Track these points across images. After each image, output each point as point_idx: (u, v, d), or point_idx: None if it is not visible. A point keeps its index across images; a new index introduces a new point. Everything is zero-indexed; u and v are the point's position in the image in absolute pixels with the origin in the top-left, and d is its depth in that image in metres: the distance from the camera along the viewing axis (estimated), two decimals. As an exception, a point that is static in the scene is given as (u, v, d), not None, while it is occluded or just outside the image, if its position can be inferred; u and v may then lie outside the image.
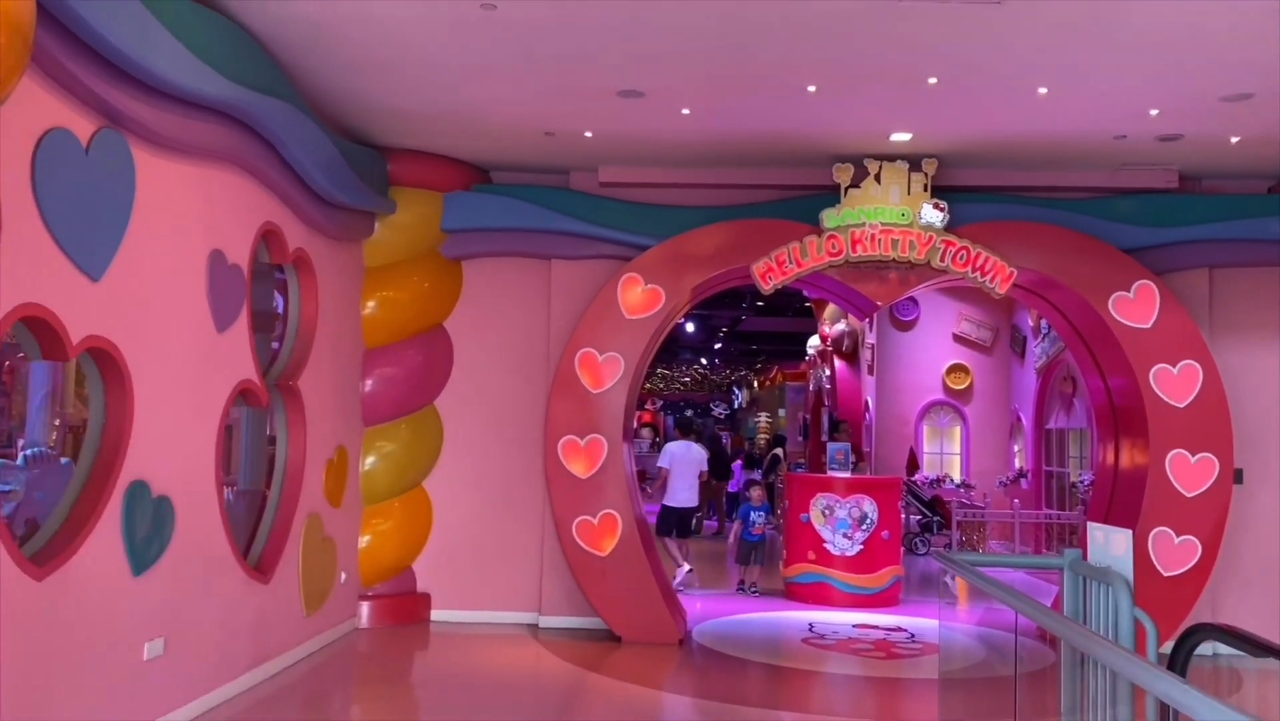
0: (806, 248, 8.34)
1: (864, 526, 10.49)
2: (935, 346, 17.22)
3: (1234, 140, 7.65)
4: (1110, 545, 4.27)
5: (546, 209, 8.76)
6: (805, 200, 8.64)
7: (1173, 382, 8.16)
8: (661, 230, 8.67)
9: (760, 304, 30.07)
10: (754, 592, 10.88)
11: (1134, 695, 3.88)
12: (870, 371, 17.74)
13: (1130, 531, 4.16)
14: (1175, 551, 8.04)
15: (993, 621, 9.10)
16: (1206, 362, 8.15)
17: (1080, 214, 8.54)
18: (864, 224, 8.29)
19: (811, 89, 6.75)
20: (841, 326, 18.89)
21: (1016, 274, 8.28)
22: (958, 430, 17.43)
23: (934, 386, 17.23)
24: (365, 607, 8.71)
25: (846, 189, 8.36)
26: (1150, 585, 7.96)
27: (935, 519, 15.50)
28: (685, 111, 7.28)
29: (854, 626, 9.40)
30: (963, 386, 17.21)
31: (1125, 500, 8.51)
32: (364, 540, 8.75)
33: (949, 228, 8.32)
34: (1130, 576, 4.09)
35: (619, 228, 8.76)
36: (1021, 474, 16.44)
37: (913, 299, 17.15)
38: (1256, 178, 8.70)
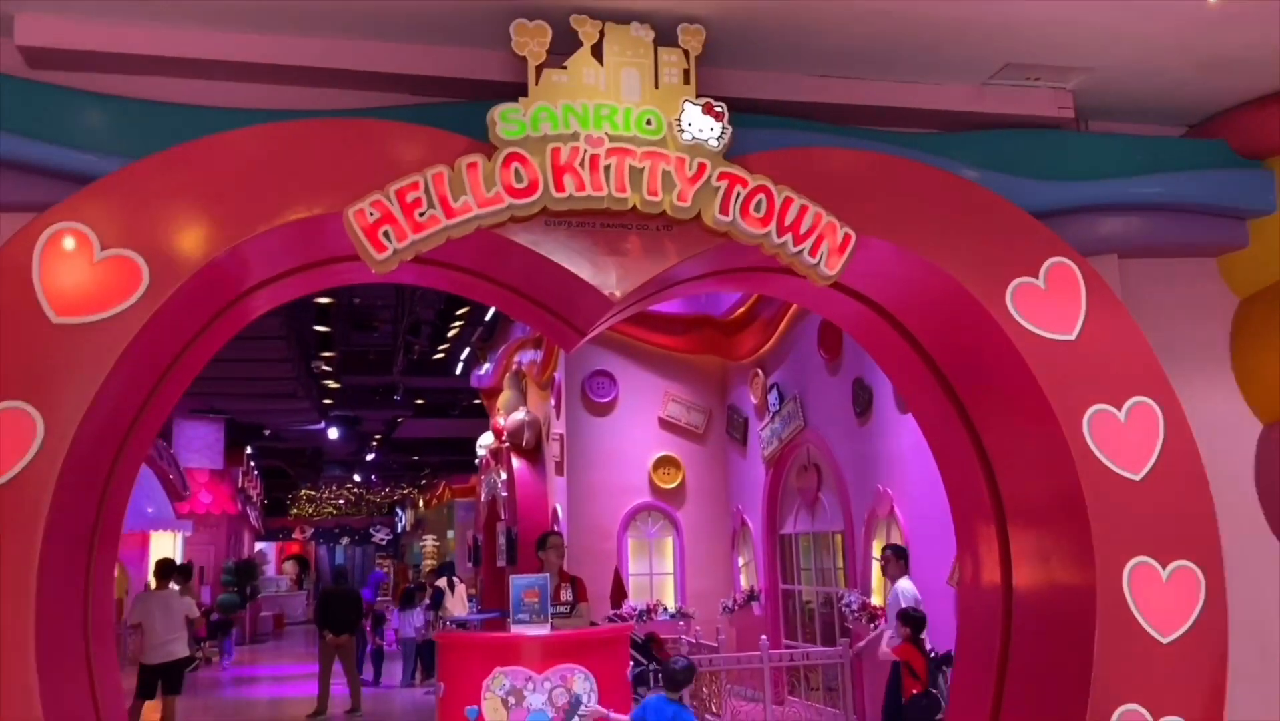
0: (463, 177, 4.05)
1: (575, 718, 6.10)
2: (639, 433, 13.34)
3: (1212, 1, 4.35)
4: None
5: None
6: (452, 108, 4.42)
7: (1120, 436, 4.56)
8: (146, 147, 4.08)
9: (420, 401, 25.42)
10: None
11: None
12: (559, 471, 13.57)
13: None
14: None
15: None
16: (1168, 400, 4.66)
17: (931, 154, 4.93)
18: (577, 135, 4.15)
19: None
20: (520, 416, 14.69)
21: (855, 239, 4.42)
22: (669, 541, 13.56)
23: (640, 486, 13.30)
24: None
25: (538, 70, 4.22)
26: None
27: (652, 667, 11.42)
28: None
29: None
30: (673, 485, 13.41)
31: (1033, 651, 4.76)
32: None
33: (728, 157, 4.38)
34: None
35: (55, 139, 4.06)
36: (752, 595, 12.80)
37: (609, 374, 13.30)
38: (1166, 119, 5.54)
